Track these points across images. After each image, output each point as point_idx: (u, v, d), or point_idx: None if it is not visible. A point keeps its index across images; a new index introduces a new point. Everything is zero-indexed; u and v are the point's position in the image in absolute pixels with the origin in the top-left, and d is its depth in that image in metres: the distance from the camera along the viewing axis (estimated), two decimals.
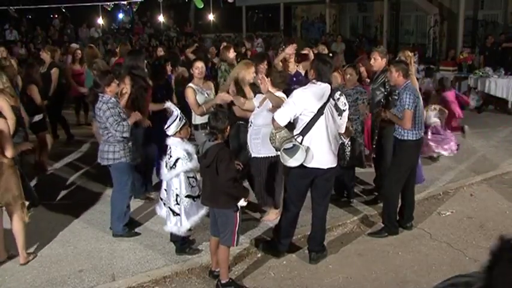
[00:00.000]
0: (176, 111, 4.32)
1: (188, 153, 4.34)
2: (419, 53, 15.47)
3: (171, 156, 4.38)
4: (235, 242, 4.12)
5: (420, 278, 4.37)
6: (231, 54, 7.49)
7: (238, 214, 4.07)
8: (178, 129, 4.31)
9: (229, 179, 3.94)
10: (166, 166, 4.43)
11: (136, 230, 5.19)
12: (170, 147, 4.40)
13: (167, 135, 4.38)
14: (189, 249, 4.73)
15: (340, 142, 5.52)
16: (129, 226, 5.16)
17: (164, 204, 4.57)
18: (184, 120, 4.35)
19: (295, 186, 4.57)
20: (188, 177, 4.38)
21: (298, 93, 4.36)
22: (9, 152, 4.30)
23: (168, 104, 4.45)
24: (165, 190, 4.53)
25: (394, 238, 5.11)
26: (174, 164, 4.33)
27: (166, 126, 4.33)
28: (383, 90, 5.58)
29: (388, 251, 4.89)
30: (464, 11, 14.46)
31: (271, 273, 4.51)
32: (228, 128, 4.11)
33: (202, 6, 13.51)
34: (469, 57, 12.06)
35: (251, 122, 5.15)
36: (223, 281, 4.15)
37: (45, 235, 5.09)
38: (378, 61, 5.68)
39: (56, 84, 8.26)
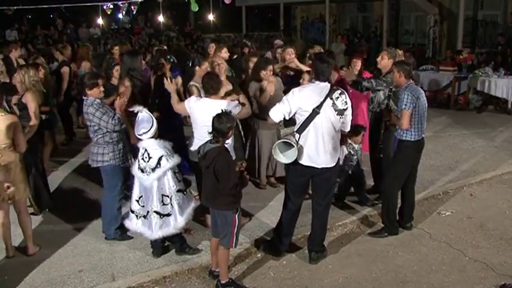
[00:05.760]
0: (150, 115, 4.37)
1: (168, 150, 4.38)
2: (419, 53, 15.51)
3: (150, 158, 4.33)
4: (233, 244, 4.11)
5: (420, 278, 4.38)
6: (222, 54, 7.52)
7: (237, 216, 4.06)
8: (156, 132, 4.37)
9: (232, 187, 3.95)
10: (144, 170, 4.36)
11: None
12: (146, 150, 4.36)
13: (156, 137, 4.40)
14: (189, 249, 4.73)
15: (355, 149, 5.60)
16: (122, 229, 5.00)
17: (137, 216, 4.49)
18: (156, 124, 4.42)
19: (292, 183, 4.60)
20: (175, 173, 4.41)
21: (295, 92, 4.39)
22: (21, 147, 4.47)
23: (140, 108, 4.41)
24: (137, 201, 4.47)
25: (394, 238, 5.11)
26: (158, 163, 4.30)
27: (145, 131, 4.31)
28: (387, 90, 5.59)
29: (388, 251, 4.89)
30: (464, 11, 14.47)
31: (271, 273, 4.52)
32: (231, 131, 4.04)
33: (197, 9, 13.57)
34: (469, 58, 12.06)
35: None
36: (223, 281, 4.15)
37: (45, 235, 5.09)
38: (385, 60, 5.68)
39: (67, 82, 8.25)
